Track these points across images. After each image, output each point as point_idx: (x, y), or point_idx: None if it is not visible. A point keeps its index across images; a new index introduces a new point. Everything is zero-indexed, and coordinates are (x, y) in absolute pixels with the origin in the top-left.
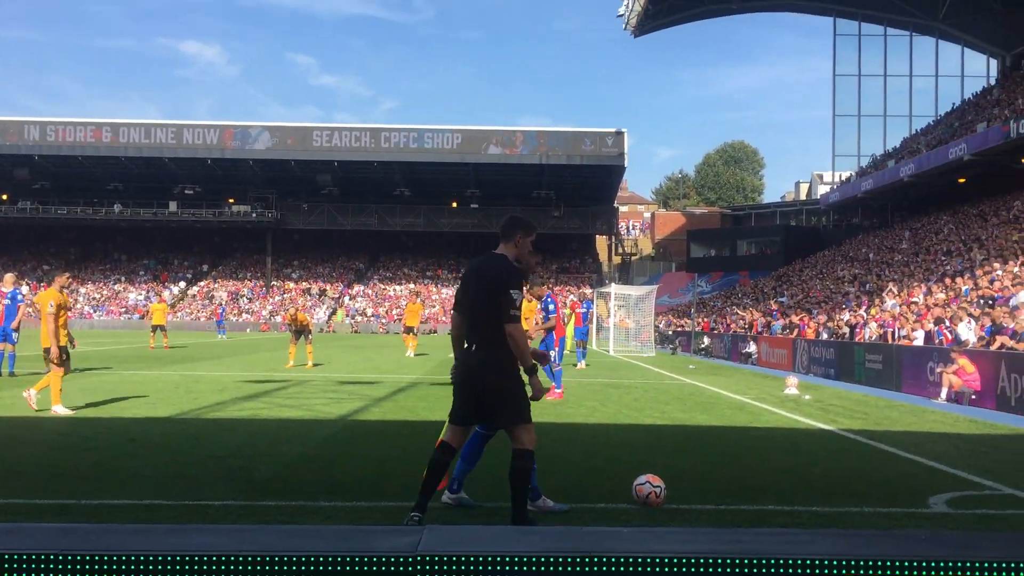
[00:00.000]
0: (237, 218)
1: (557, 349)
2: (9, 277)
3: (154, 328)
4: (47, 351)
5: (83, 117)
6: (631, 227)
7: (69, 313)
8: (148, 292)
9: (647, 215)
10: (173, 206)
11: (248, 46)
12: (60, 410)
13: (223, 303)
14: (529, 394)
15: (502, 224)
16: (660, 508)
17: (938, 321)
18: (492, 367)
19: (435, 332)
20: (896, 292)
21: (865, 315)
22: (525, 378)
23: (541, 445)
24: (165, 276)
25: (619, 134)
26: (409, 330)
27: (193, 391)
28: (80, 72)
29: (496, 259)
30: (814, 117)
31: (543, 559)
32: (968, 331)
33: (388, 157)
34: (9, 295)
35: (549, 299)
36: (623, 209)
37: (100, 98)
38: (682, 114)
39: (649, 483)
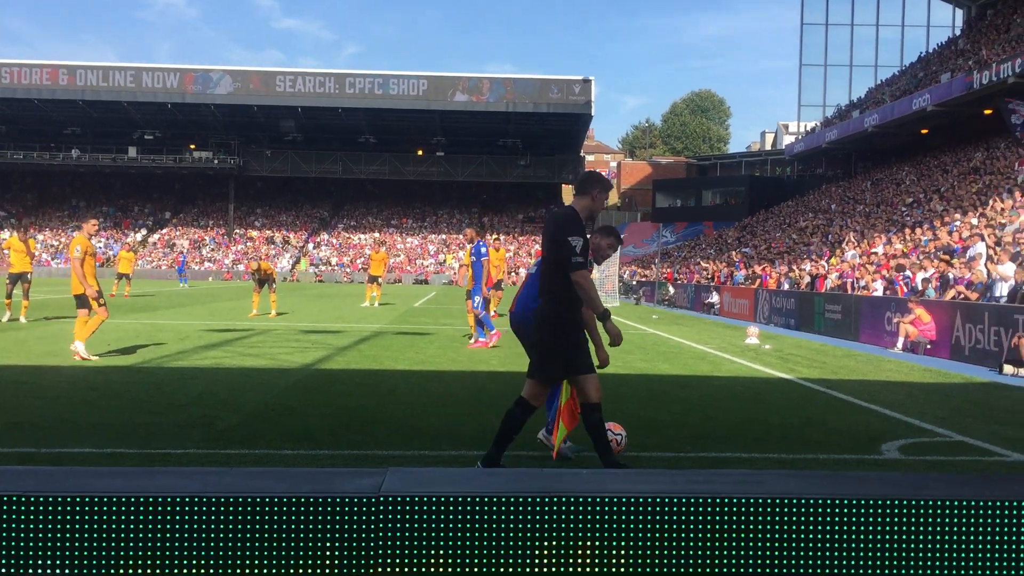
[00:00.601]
0: (198, 164)
1: (483, 296)
2: None
3: (119, 276)
4: (78, 298)
5: (39, 59)
6: None
7: (95, 258)
8: (108, 240)
9: (613, 164)
10: (133, 151)
11: None
12: (81, 348)
13: (184, 251)
14: (606, 341)
15: (580, 179)
16: (620, 456)
17: (899, 269)
18: (540, 320)
19: (399, 282)
20: (856, 243)
21: (826, 265)
22: (599, 325)
23: (503, 395)
24: (127, 223)
25: (586, 82)
26: (373, 279)
27: (155, 339)
28: (35, 13)
29: (560, 209)
30: (781, 67)
31: (502, 499)
32: (923, 280)
33: (353, 103)
34: None
35: (481, 244)
36: (589, 158)
37: (56, 40)
38: (650, 63)
39: (610, 431)
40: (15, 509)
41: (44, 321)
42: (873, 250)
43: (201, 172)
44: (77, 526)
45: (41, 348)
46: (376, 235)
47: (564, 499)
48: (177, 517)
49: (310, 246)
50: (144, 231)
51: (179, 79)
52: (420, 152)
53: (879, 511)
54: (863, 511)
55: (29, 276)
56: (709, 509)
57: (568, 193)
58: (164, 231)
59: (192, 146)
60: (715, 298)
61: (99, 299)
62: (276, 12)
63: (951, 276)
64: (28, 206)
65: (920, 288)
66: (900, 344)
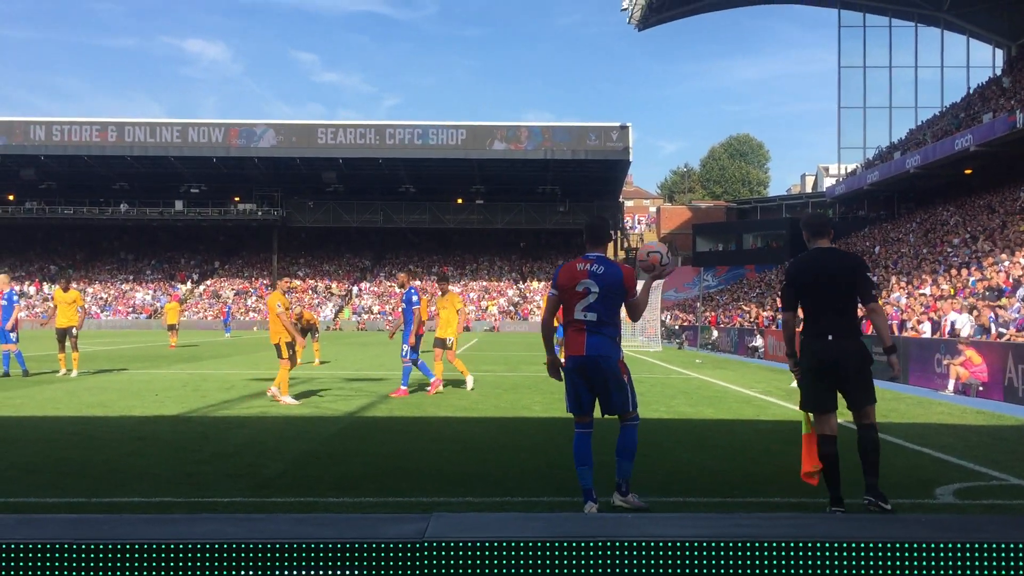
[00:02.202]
0: (243, 216)
1: (411, 345)
2: (3, 278)
3: (170, 327)
4: (279, 347)
5: (88, 116)
6: (636, 222)
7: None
8: (155, 291)
9: (652, 209)
10: (179, 205)
11: (252, 44)
12: (276, 391)
13: (229, 301)
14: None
15: (824, 220)
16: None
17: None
18: (856, 353)
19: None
20: (902, 284)
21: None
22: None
23: (546, 441)
24: (183, 275)
25: (624, 128)
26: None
27: (200, 389)
28: (85, 71)
29: (838, 252)
30: (819, 110)
31: (547, 544)
32: (967, 323)
33: (393, 154)
34: (5, 296)
35: (412, 291)
36: (628, 204)
37: (105, 97)
38: (687, 108)
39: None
40: (68, 557)
41: (93, 374)
42: (920, 291)
43: (246, 224)
44: (127, 573)
45: (91, 399)
46: (417, 283)
47: (609, 544)
48: (224, 564)
49: (354, 290)
50: (191, 283)
51: (224, 133)
52: (460, 200)
53: (930, 555)
54: (913, 555)
55: (73, 330)
56: (756, 553)
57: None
58: (210, 282)
59: (237, 198)
60: (759, 341)
61: (288, 350)
62: (317, 66)
63: (992, 317)
64: (78, 260)
65: (960, 330)
66: (951, 386)
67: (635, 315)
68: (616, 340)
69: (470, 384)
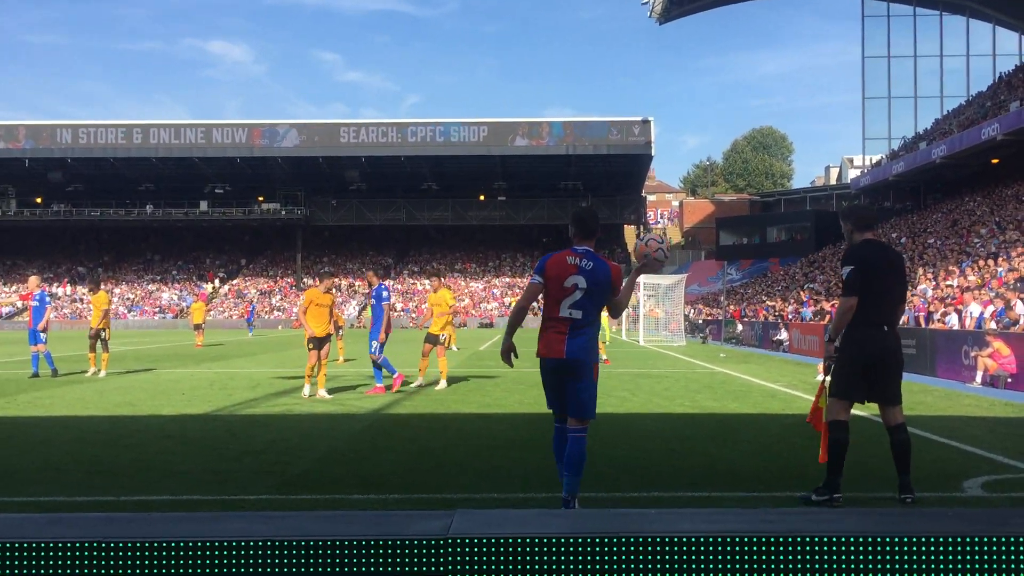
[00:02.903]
0: (267, 216)
1: (380, 342)
2: (34, 279)
3: (196, 327)
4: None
5: (114, 119)
6: (659, 216)
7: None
8: (181, 291)
9: (675, 203)
10: (204, 205)
11: (274, 45)
12: (306, 390)
13: (253, 301)
14: None
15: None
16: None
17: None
18: (899, 347)
19: (464, 326)
20: (930, 276)
21: None
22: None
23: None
24: (212, 275)
25: (646, 123)
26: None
27: (227, 388)
28: (109, 75)
29: (889, 246)
30: (843, 101)
31: (571, 540)
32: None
33: (415, 151)
34: (36, 297)
35: (382, 287)
36: (651, 198)
37: (129, 100)
38: (709, 101)
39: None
40: (98, 556)
41: (121, 374)
42: (947, 283)
43: (270, 223)
44: (156, 571)
45: (119, 398)
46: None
47: (633, 540)
48: (251, 561)
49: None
50: (216, 282)
51: (247, 134)
52: (482, 197)
53: (956, 549)
54: (939, 548)
55: (102, 331)
56: (782, 548)
57: (630, 233)
58: (235, 281)
59: (261, 198)
60: (784, 335)
61: (308, 344)
62: (339, 66)
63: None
64: (105, 261)
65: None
66: (979, 378)
67: (617, 313)
68: (595, 341)
69: (441, 386)
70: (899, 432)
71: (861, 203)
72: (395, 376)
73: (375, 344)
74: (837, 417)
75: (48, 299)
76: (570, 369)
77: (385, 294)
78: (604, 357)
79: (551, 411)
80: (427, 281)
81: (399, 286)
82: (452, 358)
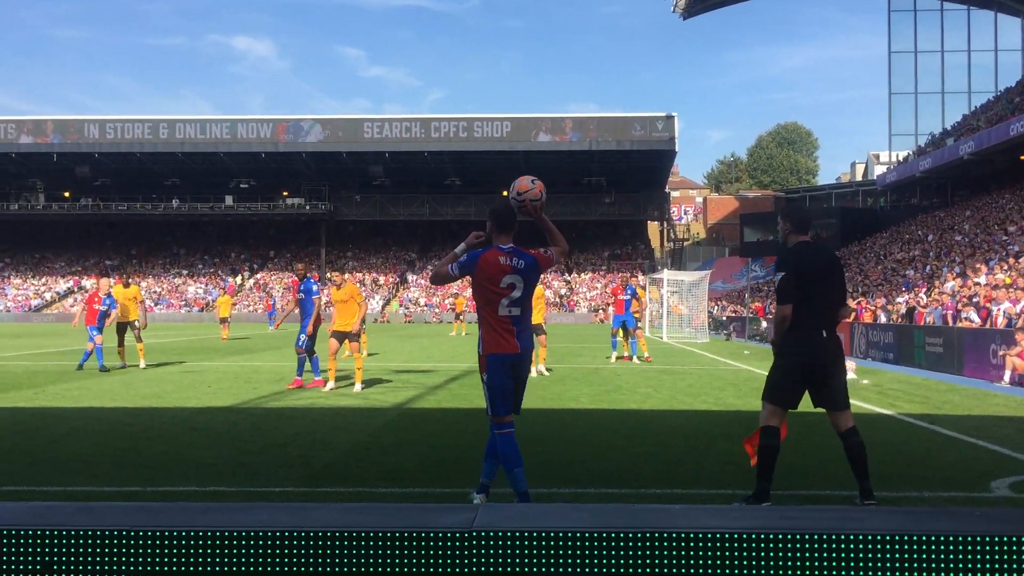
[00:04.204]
0: (291, 211)
1: (308, 335)
2: (106, 282)
3: (222, 320)
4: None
5: (140, 115)
6: (683, 212)
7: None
8: (207, 285)
9: (699, 200)
10: (229, 200)
11: (298, 40)
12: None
13: (277, 296)
14: None
15: (810, 216)
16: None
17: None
18: (840, 351)
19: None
20: (957, 273)
21: (925, 297)
22: None
23: (593, 432)
24: (244, 268)
25: (669, 118)
26: (459, 316)
27: (252, 381)
28: (134, 70)
29: (826, 247)
30: (868, 96)
31: (595, 535)
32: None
33: (438, 147)
34: (106, 300)
35: (311, 281)
36: (675, 194)
37: (154, 95)
38: (733, 96)
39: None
40: (124, 544)
41: (151, 367)
42: (976, 280)
43: (294, 218)
44: (183, 559)
45: (146, 390)
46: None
47: (656, 535)
48: (276, 551)
49: (409, 277)
50: (241, 276)
51: (272, 129)
52: (505, 193)
53: (984, 548)
54: (967, 548)
55: (136, 323)
56: (805, 545)
57: (654, 229)
58: (260, 276)
59: (285, 193)
60: None
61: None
62: (363, 61)
63: None
64: (132, 255)
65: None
66: (1007, 377)
67: (561, 241)
68: (531, 333)
69: (357, 389)
70: (851, 436)
71: (797, 204)
72: (315, 379)
73: (302, 337)
74: (768, 423)
75: (114, 302)
76: (526, 361)
77: (315, 288)
78: (647, 355)
79: (496, 415)
80: None
81: (422, 281)
82: (475, 352)
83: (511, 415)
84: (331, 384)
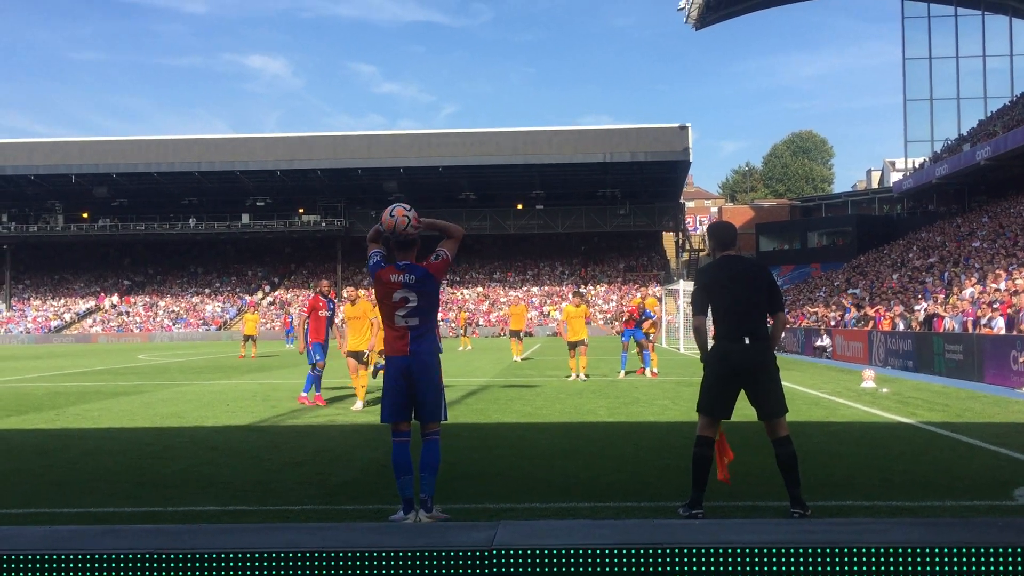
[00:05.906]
0: (307, 228)
1: (311, 347)
2: (326, 282)
3: (245, 338)
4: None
5: (156, 135)
6: (698, 223)
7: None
8: (224, 303)
9: (714, 210)
10: (246, 218)
11: (312, 57)
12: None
13: (293, 313)
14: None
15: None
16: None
17: None
18: (772, 359)
19: (504, 334)
20: (976, 280)
21: (944, 304)
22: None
23: (611, 446)
24: (266, 284)
25: (683, 129)
26: (515, 334)
27: (270, 399)
28: (149, 90)
29: (748, 258)
30: (884, 103)
31: (616, 551)
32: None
33: (452, 161)
34: (330, 304)
35: (332, 301)
36: (689, 205)
37: (169, 115)
38: (747, 106)
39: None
40: (148, 567)
41: (166, 385)
42: (995, 286)
43: (310, 235)
44: None
45: (165, 410)
46: (479, 289)
47: (677, 551)
48: (299, 572)
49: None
50: (262, 293)
51: (287, 146)
52: (520, 206)
53: (1011, 559)
54: (993, 560)
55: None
56: (828, 559)
57: (669, 240)
58: (276, 293)
59: (301, 210)
60: (827, 341)
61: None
62: (376, 78)
63: None
64: (150, 275)
65: None
66: None
67: (452, 230)
68: (438, 341)
69: (358, 407)
70: (783, 445)
71: (719, 222)
72: (316, 396)
73: (292, 347)
74: (701, 432)
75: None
76: (419, 366)
77: (331, 304)
78: (655, 370)
79: (388, 423)
80: (465, 291)
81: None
82: (492, 367)
83: (406, 423)
84: (359, 404)
